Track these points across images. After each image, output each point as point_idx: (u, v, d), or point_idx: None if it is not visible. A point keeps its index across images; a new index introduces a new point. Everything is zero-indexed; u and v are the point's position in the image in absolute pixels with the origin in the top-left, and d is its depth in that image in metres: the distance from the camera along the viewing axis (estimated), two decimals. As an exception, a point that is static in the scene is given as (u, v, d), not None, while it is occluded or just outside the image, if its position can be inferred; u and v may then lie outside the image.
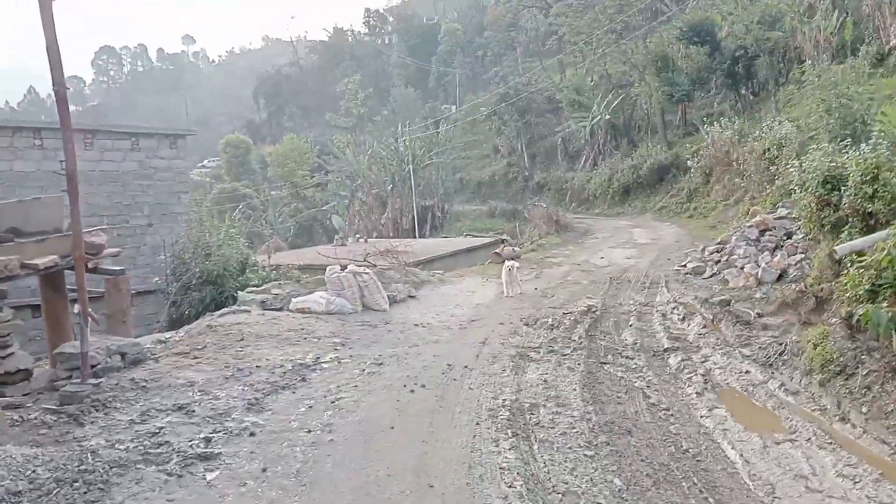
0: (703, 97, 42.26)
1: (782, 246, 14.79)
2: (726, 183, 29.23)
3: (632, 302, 13.43)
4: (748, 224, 16.20)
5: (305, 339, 10.20)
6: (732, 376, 8.76)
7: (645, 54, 41.00)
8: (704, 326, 10.67)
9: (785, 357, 8.84)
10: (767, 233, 15.63)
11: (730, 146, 29.87)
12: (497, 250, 19.30)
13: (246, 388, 7.79)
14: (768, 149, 22.18)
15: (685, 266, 17.07)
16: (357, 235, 33.25)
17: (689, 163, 32.35)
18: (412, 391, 7.90)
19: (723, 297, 12.56)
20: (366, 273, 12.00)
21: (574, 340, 10.22)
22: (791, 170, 13.42)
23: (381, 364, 9.01)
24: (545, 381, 8.38)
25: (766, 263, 13.97)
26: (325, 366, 8.87)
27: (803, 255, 13.65)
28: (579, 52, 52.15)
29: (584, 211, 40.79)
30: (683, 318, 11.51)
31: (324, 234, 48.18)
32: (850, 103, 15.36)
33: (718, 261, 15.93)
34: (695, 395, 8.04)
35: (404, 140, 46.40)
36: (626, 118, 47.52)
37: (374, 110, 71.83)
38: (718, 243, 18.05)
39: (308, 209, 54.74)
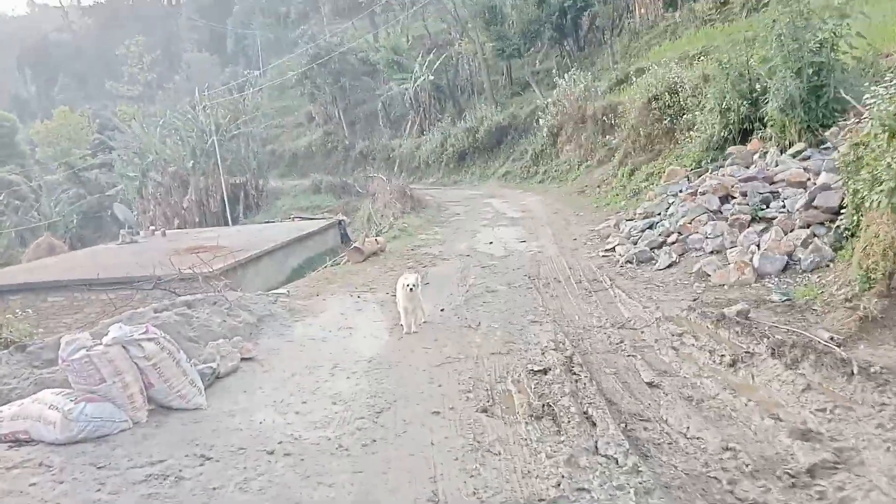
0: (533, 53, 38.29)
1: (758, 218, 10.33)
2: (583, 142, 25.11)
3: (598, 325, 8.26)
4: (703, 189, 11.55)
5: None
6: None
7: (472, 5, 36.05)
8: (807, 388, 5.63)
9: None
10: (732, 200, 11.11)
11: (583, 101, 25.79)
12: (357, 244, 13.33)
13: None
14: (655, 97, 17.96)
15: (614, 251, 12.24)
16: (151, 227, 25.40)
17: (540, 121, 27.97)
18: None
19: (739, 307, 7.74)
20: (151, 339, 5.63)
21: (612, 461, 4.73)
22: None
23: None
24: None
25: (764, 246, 9.36)
26: None
27: (814, 232, 9.21)
28: (392, 9, 46.42)
29: (416, 181, 35.49)
30: (733, 363, 6.45)
31: (114, 224, 38.83)
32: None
33: (673, 241, 11.20)
34: None
35: (204, 108, 38.17)
36: (450, 79, 42.63)
37: (164, 77, 61.22)
38: (642, 215, 13.43)
39: (92, 195, 44.50)
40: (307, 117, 50.77)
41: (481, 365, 6.90)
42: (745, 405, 5.55)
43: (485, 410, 5.76)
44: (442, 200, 24.96)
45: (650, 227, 12.58)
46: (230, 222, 32.89)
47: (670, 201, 13.23)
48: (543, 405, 5.73)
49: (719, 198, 11.21)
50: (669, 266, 10.49)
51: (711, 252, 10.25)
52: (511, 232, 16.00)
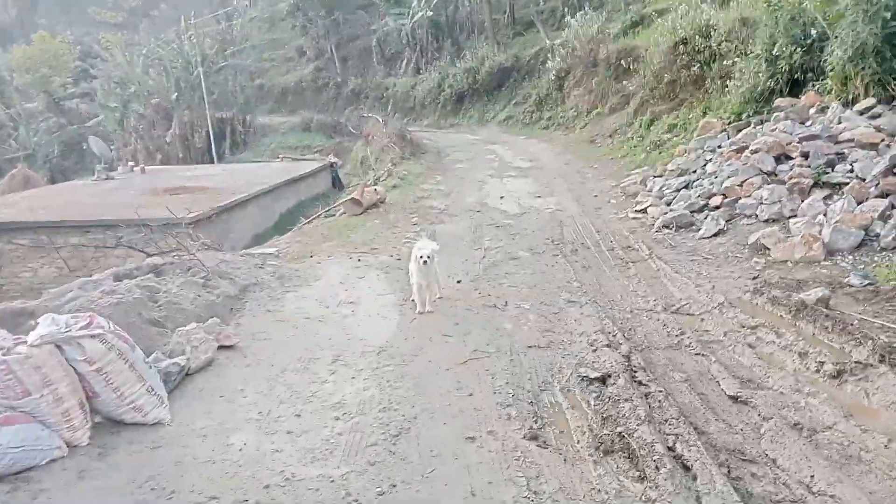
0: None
1: (821, 184, 8.88)
2: (593, 87, 23.31)
3: (647, 308, 6.85)
4: (754, 147, 10.01)
5: None
6: None
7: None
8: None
9: None
10: (789, 160, 9.62)
11: (595, 44, 23.87)
12: (355, 195, 11.73)
13: None
14: (683, 41, 16.19)
15: (645, 213, 10.77)
16: (130, 163, 23.49)
17: (547, 64, 26.03)
18: None
19: (818, 293, 6.34)
20: (96, 335, 4.13)
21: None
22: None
23: None
24: None
25: (835, 218, 7.93)
26: None
27: (893, 203, 7.81)
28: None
29: (411, 123, 33.52)
30: (838, 375, 5.06)
31: (95, 157, 36.51)
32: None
33: (717, 206, 9.74)
34: None
35: (190, 37, 35.64)
36: (449, 16, 40.16)
37: (150, 4, 57.71)
38: (675, 173, 11.94)
39: (73, 125, 42.02)
40: (298, 51, 48.04)
41: (518, 364, 5.47)
42: (881, 444, 4.17)
43: (534, 437, 4.35)
44: (441, 145, 23.22)
45: (686, 187, 11.09)
46: (215, 159, 30.93)
47: (707, 158, 11.71)
48: (612, 434, 4.32)
49: (774, 157, 9.68)
50: (716, 235, 9.04)
51: (767, 220, 8.81)
52: (522, 185, 14.43)
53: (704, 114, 14.33)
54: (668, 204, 10.76)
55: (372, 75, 42.09)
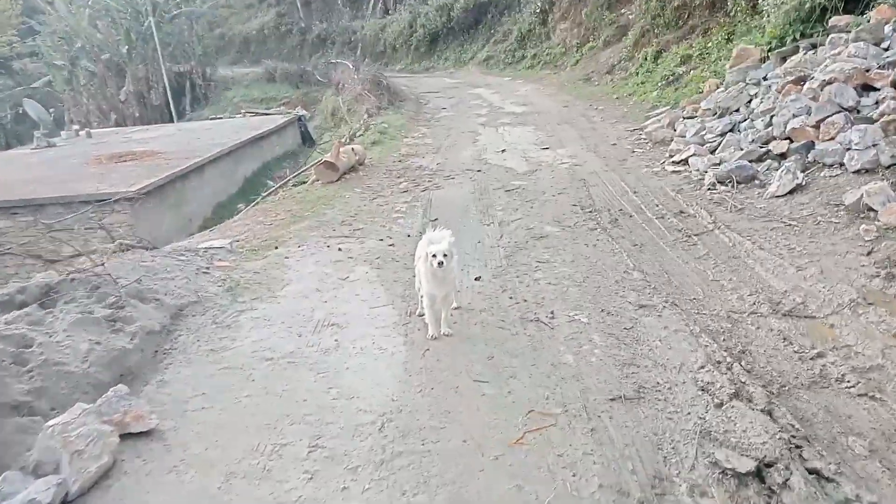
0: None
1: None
2: (582, 19, 20.80)
3: (749, 310, 4.79)
4: (828, 76, 7.82)
5: None
6: None
7: None
8: None
9: None
10: (873, 92, 7.48)
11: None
12: (329, 157, 9.34)
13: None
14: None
15: (687, 165, 8.63)
16: (74, 127, 20.63)
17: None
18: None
19: None
20: None
21: None
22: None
23: None
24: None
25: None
26: None
27: None
28: None
29: (382, 67, 30.59)
30: None
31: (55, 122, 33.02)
32: None
33: (783, 152, 7.62)
34: None
35: (137, -17, 32.05)
36: (416, -50, 36.68)
37: (94, -49, 52.85)
38: (711, 112, 9.76)
39: (20, 87, 38.32)
40: (257, -4, 44.36)
41: (605, 439, 3.37)
42: None
43: None
44: (419, 91, 20.68)
45: (732, 130, 8.93)
46: (174, 117, 28.00)
47: (751, 92, 9.51)
48: None
49: (854, 88, 7.51)
50: (793, 192, 6.91)
51: (859, 171, 6.69)
52: (523, 134, 12.15)
53: (729, 40, 12.06)
54: (714, 152, 8.61)
55: (338, 19, 38.79)
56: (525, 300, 5.06)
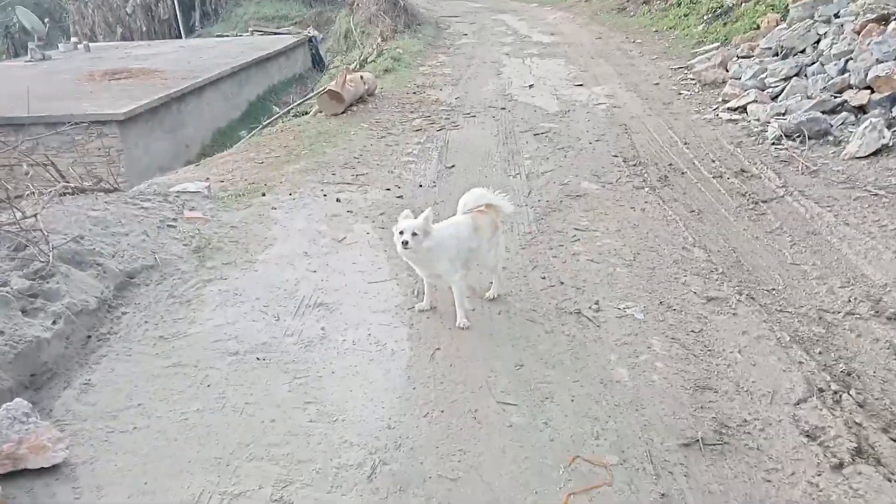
0: None
1: None
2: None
3: (847, 310, 3.70)
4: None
5: None
6: None
7: None
8: None
9: None
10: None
11: None
12: (334, 84, 8.07)
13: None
14: None
15: (745, 113, 7.37)
16: (74, 39, 19.19)
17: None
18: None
19: None
20: None
21: None
22: None
23: None
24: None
25: None
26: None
27: None
28: None
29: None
30: None
31: (62, 34, 31.18)
32: None
33: (863, 104, 6.38)
34: None
35: None
36: None
37: None
38: (772, 52, 8.43)
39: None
40: None
41: (681, 509, 2.35)
42: None
43: None
44: (438, 14, 18.99)
45: (797, 75, 7.60)
46: (182, 33, 26.36)
47: (821, 31, 8.13)
48: None
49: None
50: (878, 153, 5.71)
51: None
52: (553, 67, 10.79)
53: (793, -30, 10.46)
54: (776, 99, 7.34)
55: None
56: (561, 282, 4.00)
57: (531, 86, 9.39)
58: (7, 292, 3.04)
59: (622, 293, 3.88)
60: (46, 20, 18.59)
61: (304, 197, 5.39)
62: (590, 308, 3.71)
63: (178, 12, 27.19)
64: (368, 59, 11.26)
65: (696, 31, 11.81)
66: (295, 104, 9.49)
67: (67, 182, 4.34)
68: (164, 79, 12.96)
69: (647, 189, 5.59)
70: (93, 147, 10.42)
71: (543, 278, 4.06)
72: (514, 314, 3.67)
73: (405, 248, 3.29)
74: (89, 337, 3.24)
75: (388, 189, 5.69)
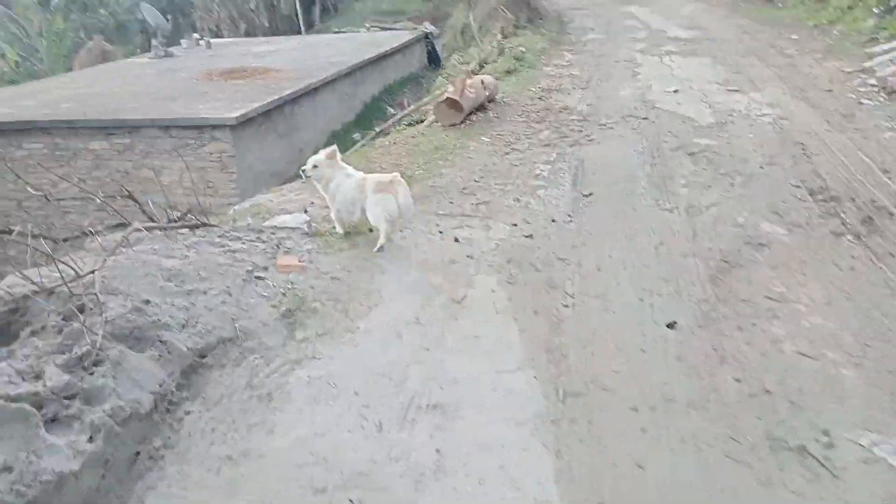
0: None
1: None
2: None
3: None
4: None
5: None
6: None
7: None
8: None
9: None
10: None
11: None
12: (450, 93, 7.14)
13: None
14: None
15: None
16: (195, 36, 19.40)
17: None
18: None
19: None
20: None
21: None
22: None
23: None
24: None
25: None
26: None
27: None
28: None
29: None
30: None
31: (190, 28, 32.21)
32: None
33: None
34: None
35: None
36: None
37: None
38: None
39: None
40: None
41: None
42: None
43: None
44: (560, 7, 17.63)
45: None
46: (302, 28, 26.40)
47: None
48: None
49: None
50: None
51: None
52: (697, 68, 9.34)
53: None
54: None
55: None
56: (767, 390, 2.83)
57: (675, 91, 8.05)
58: (35, 397, 2.28)
59: (859, 415, 2.68)
60: (169, 17, 18.83)
61: (417, 234, 4.47)
62: (817, 441, 2.54)
63: (297, 7, 27.29)
64: (488, 61, 10.22)
65: (866, 27, 9.95)
66: (409, 109, 8.63)
67: (142, 222, 3.62)
68: (277, 79, 12.51)
69: (849, 236, 4.26)
70: (204, 152, 10.06)
71: (739, 381, 2.91)
72: (704, 443, 2.56)
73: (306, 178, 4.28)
74: (137, 454, 2.44)
75: (515, 224, 4.68)
